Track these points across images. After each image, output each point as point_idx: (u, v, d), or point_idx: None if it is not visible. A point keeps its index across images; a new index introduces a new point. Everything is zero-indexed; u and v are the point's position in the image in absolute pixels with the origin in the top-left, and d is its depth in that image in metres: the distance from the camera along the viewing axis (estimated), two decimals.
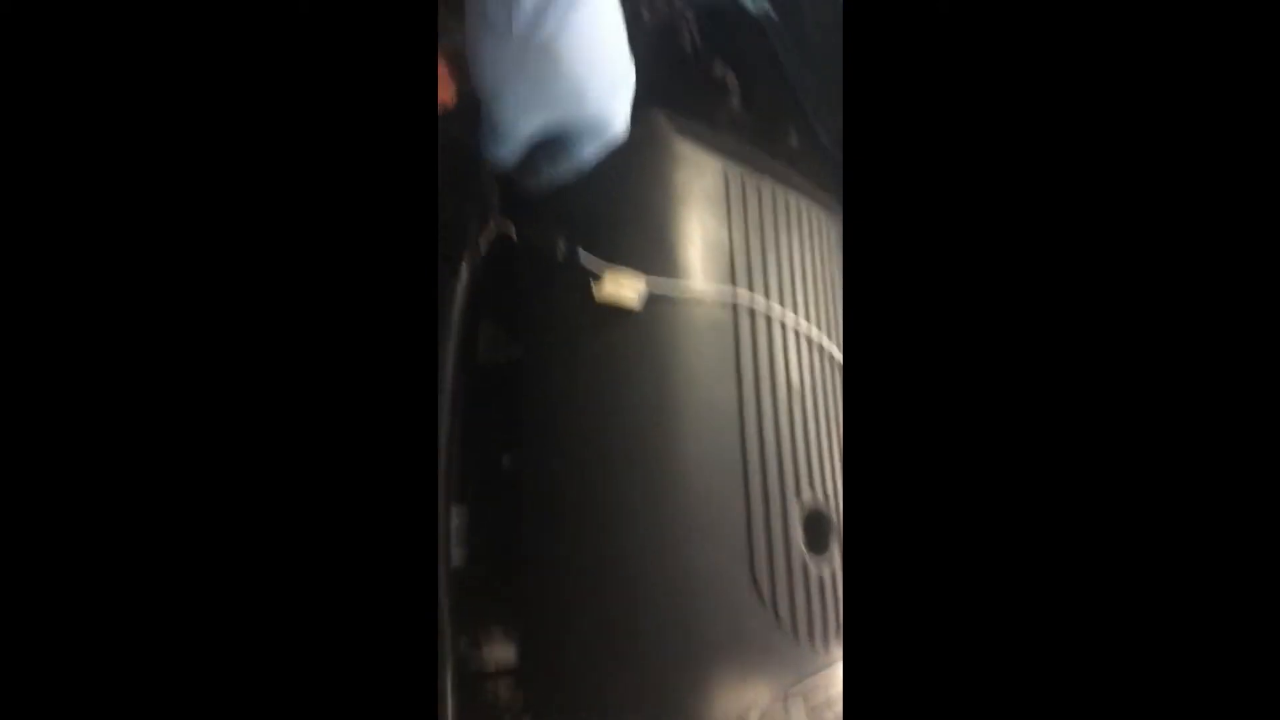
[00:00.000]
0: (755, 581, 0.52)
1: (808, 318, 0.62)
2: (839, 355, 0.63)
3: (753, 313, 0.59)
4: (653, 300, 0.57)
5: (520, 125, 0.49)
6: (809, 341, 0.61)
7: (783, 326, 0.60)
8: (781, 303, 0.60)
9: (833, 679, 0.53)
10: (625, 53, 0.50)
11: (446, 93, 0.52)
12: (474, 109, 0.51)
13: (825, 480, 0.58)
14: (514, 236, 0.60)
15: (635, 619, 0.51)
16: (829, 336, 0.63)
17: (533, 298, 0.62)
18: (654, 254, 0.58)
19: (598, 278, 0.56)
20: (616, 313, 0.57)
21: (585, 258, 0.57)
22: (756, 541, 0.53)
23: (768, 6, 0.70)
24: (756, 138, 0.73)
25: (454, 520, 0.58)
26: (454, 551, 0.59)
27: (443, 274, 0.57)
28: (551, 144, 0.53)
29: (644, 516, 0.53)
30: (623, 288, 0.56)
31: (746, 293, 0.59)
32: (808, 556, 0.55)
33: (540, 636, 0.55)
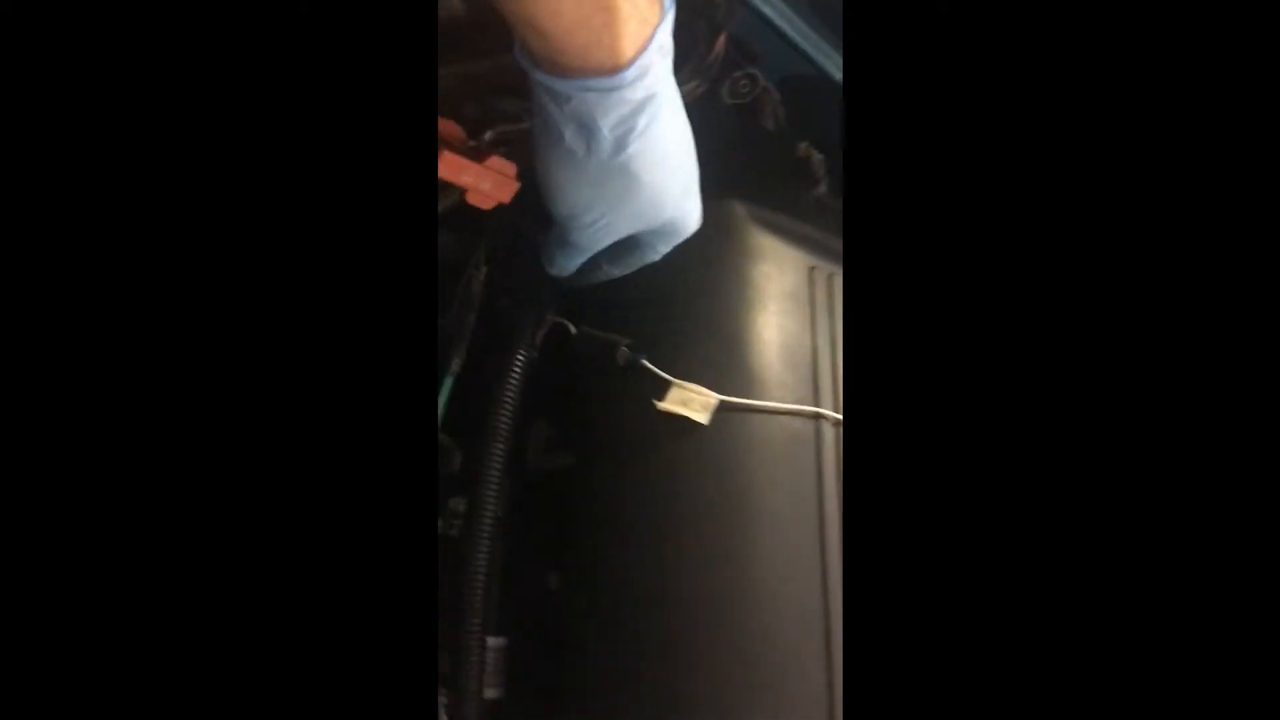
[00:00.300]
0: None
1: None
2: None
3: (839, 424, 0.51)
4: (724, 408, 0.50)
5: (597, 241, 0.47)
6: None
7: None
8: None
9: None
10: (693, 150, 0.47)
11: (507, 192, 0.48)
12: (533, 207, 0.47)
13: None
14: (572, 334, 0.54)
15: None
16: None
17: (590, 402, 0.56)
18: (727, 363, 0.52)
19: (662, 389, 0.50)
20: (682, 422, 0.50)
21: (649, 366, 0.51)
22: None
23: None
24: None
25: (490, 649, 0.52)
26: (488, 683, 0.52)
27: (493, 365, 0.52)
28: (619, 245, 0.49)
29: (712, 654, 0.46)
30: (690, 404, 0.50)
31: (832, 409, 0.51)
32: None
33: None
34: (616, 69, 0.38)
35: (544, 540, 0.55)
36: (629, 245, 0.49)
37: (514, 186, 0.47)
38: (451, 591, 0.51)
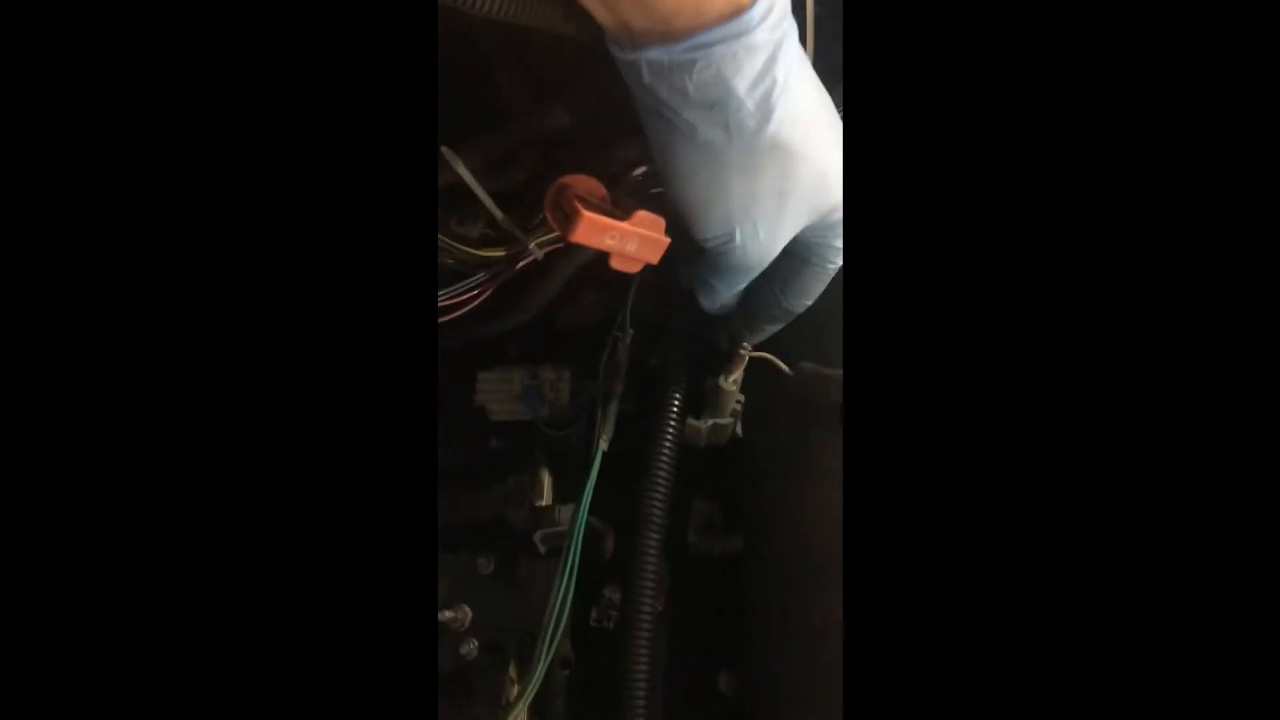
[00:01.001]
0: None
1: None
2: None
3: None
4: None
5: (761, 254, 0.39)
6: None
7: None
8: None
9: None
10: (833, 105, 0.38)
11: (655, 252, 0.41)
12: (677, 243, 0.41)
13: None
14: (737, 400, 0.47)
15: None
16: None
17: (759, 473, 0.49)
18: None
19: None
20: None
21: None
22: None
23: None
24: None
25: None
26: None
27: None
28: (787, 262, 0.42)
29: None
30: None
31: None
32: None
33: None
34: (739, 8, 0.30)
35: (712, 636, 0.48)
36: (799, 257, 0.41)
37: (663, 244, 0.41)
38: (610, 691, 0.45)
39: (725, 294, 0.43)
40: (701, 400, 0.49)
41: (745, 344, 0.45)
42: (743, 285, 0.42)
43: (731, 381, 0.46)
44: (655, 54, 0.32)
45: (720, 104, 0.32)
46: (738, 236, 0.38)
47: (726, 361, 0.46)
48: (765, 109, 0.33)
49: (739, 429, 0.50)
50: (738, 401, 0.49)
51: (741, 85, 0.32)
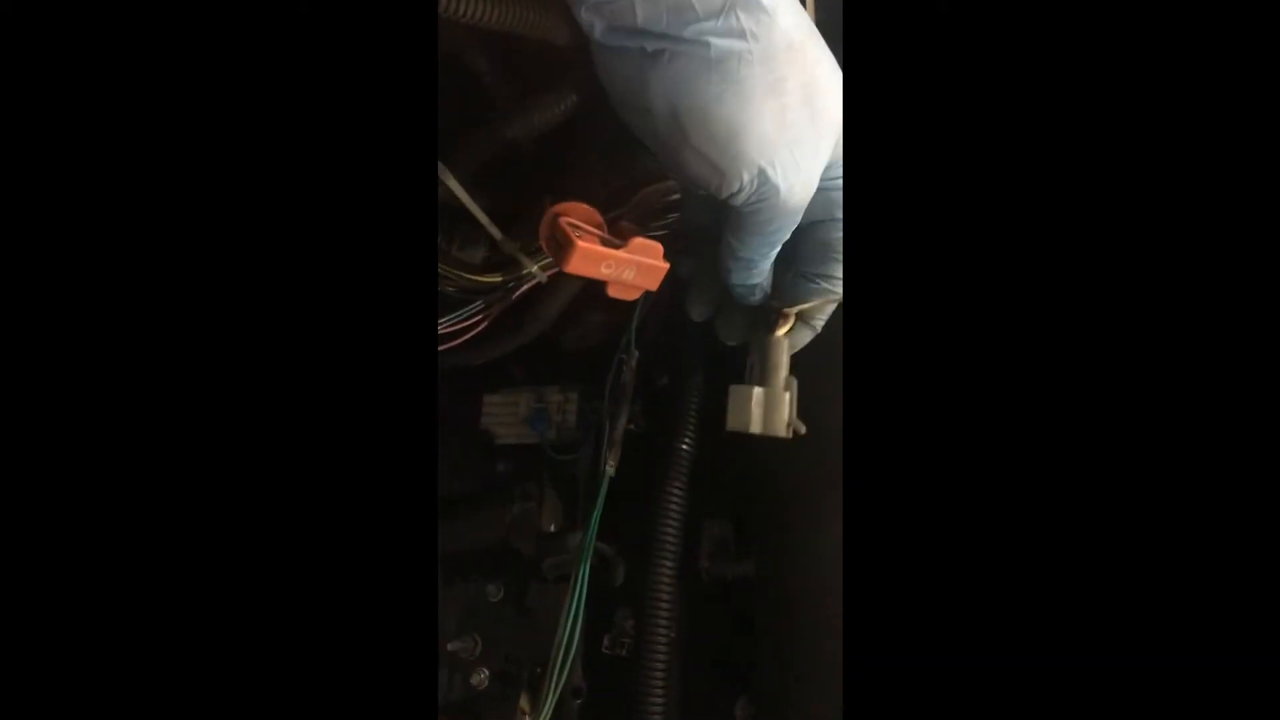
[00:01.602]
0: None
1: None
2: None
3: None
4: None
5: (791, 202, 0.35)
6: None
7: None
8: None
9: None
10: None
11: (654, 279, 0.40)
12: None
13: None
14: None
15: None
16: None
17: (771, 494, 0.48)
18: None
19: None
20: None
21: None
22: None
23: None
24: None
25: None
26: None
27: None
28: (814, 234, 0.39)
29: None
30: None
31: None
32: None
33: None
34: None
35: (727, 662, 0.47)
36: (826, 231, 0.39)
37: (662, 270, 0.40)
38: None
39: (762, 264, 0.39)
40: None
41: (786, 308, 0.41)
42: (780, 242, 0.38)
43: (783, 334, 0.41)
44: None
45: (729, 5, 0.31)
46: (775, 171, 0.34)
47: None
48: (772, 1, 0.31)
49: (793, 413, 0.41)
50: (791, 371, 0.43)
51: None
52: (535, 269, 0.42)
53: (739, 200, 0.35)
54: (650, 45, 0.32)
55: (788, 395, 0.40)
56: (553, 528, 0.50)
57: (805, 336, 0.42)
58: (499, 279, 0.41)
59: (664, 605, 0.45)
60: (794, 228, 0.37)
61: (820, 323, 0.42)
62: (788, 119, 0.33)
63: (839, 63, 0.35)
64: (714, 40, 0.31)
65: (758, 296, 0.41)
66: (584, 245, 0.35)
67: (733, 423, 0.39)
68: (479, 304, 0.42)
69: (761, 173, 0.34)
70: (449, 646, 0.50)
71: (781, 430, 0.39)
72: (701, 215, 0.40)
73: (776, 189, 0.34)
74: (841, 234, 0.39)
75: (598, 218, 0.38)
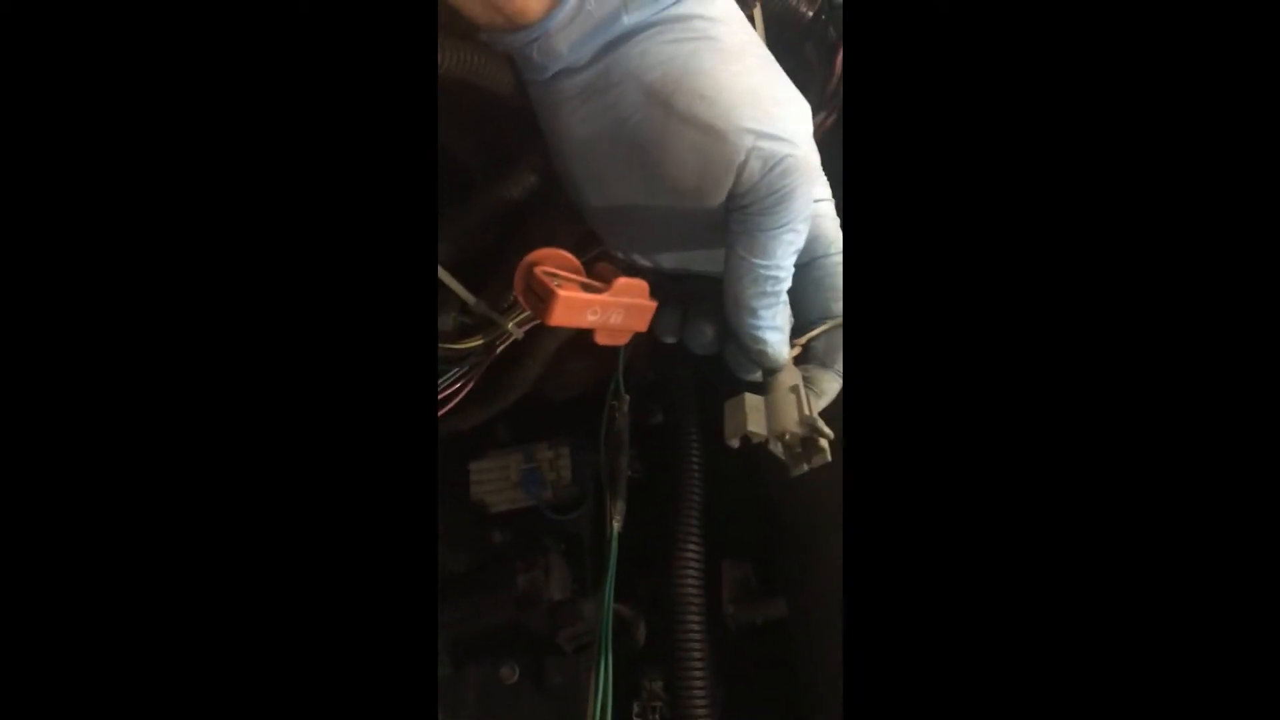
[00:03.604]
0: None
1: None
2: None
3: None
4: None
5: (805, 128, 0.32)
6: None
7: None
8: None
9: None
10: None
11: (643, 319, 0.37)
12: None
13: None
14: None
15: None
16: None
17: (790, 526, 0.45)
18: None
19: None
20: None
21: None
22: None
23: None
24: None
25: None
26: None
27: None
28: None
29: None
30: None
31: None
32: None
33: None
34: None
35: (768, 712, 0.44)
36: (818, 270, 0.36)
37: (650, 310, 0.37)
38: None
39: (787, 277, 0.34)
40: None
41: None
42: (803, 236, 0.34)
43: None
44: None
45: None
46: (777, 124, 0.30)
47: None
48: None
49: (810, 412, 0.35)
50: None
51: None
52: (511, 327, 0.39)
53: (749, 176, 0.31)
54: (611, 36, 0.30)
55: (794, 396, 0.35)
56: (563, 595, 0.47)
57: (833, 385, 0.37)
58: (478, 343, 0.38)
59: (696, 664, 0.42)
60: (809, 216, 0.33)
61: (840, 364, 0.37)
62: (770, 72, 0.32)
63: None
64: (674, 9, 0.30)
65: (781, 339, 0.35)
66: (565, 294, 0.32)
67: (730, 431, 0.35)
68: (455, 373, 0.39)
69: (764, 130, 0.30)
70: None
71: (792, 426, 0.34)
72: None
73: (789, 141, 0.31)
74: (831, 271, 0.36)
75: (575, 262, 0.35)
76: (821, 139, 0.49)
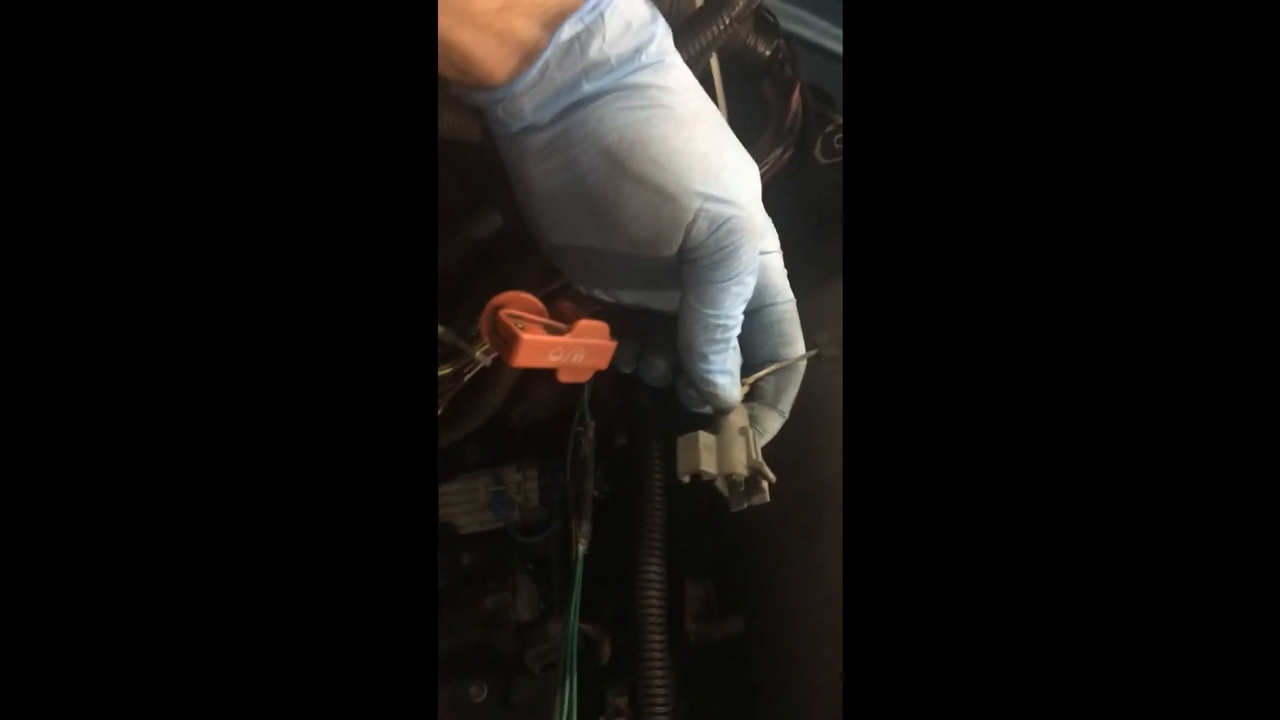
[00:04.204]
0: None
1: None
2: None
3: None
4: None
5: (752, 191, 0.34)
6: None
7: None
8: None
9: None
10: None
11: (603, 358, 0.39)
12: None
13: None
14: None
15: None
16: None
17: (753, 544, 0.47)
18: None
19: None
20: None
21: None
22: None
23: None
24: None
25: None
26: None
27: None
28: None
29: None
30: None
31: None
32: None
33: None
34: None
35: None
36: (766, 316, 0.39)
37: (609, 349, 0.39)
38: None
39: (736, 325, 0.36)
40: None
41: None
42: (750, 287, 0.36)
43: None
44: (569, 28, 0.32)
45: (639, 47, 0.33)
46: (726, 188, 0.33)
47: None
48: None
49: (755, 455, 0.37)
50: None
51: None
52: (479, 355, 0.40)
53: (697, 234, 0.33)
54: (572, 100, 0.33)
55: (743, 439, 0.37)
56: (530, 616, 0.48)
57: (775, 424, 0.40)
58: (448, 370, 0.40)
59: (656, 679, 0.43)
60: (756, 269, 0.36)
61: (787, 406, 0.40)
62: (720, 139, 0.34)
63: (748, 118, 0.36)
64: (632, 79, 0.33)
65: (731, 382, 0.37)
66: (529, 338, 0.34)
67: (682, 468, 0.37)
68: None
69: (711, 194, 0.33)
70: None
71: (739, 468, 0.36)
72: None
73: (734, 204, 0.33)
74: (779, 318, 0.39)
75: (539, 304, 0.37)
76: (779, 171, 0.51)
